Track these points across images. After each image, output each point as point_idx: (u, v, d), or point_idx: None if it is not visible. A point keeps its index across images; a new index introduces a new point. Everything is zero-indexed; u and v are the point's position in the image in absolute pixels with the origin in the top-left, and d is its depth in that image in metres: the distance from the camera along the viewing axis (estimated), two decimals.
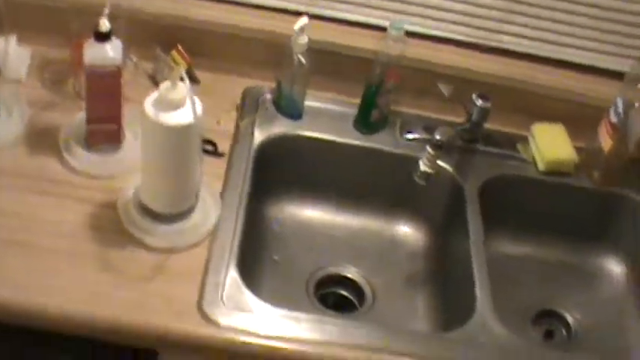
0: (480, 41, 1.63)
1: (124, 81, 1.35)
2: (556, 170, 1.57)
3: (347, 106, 1.59)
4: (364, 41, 1.58)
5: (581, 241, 1.64)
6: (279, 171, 1.55)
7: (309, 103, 1.56)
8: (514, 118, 1.63)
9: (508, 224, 1.61)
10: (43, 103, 1.48)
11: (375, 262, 1.58)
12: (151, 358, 1.26)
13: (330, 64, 1.57)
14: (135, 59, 1.54)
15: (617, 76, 1.57)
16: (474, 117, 1.54)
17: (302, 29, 1.45)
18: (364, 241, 1.61)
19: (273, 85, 1.57)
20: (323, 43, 1.55)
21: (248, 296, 1.25)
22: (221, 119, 1.51)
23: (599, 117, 1.56)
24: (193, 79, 1.53)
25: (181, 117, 1.20)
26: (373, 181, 1.60)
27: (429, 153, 1.45)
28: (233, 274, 1.27)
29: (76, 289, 1.21)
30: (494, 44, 1.63)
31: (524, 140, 1.61)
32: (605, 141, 1.54)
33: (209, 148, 1.45)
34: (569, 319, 1.56)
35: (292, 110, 1.55)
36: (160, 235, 1.30)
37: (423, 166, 1.46)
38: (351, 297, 1.53)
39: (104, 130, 1.39)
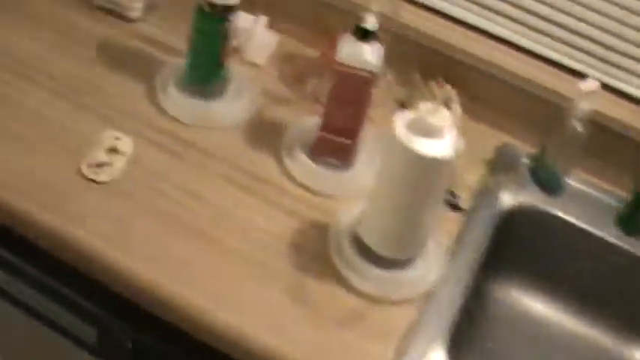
0: None
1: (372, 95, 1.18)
2: None
3: (611, 196, 1.36)
4: None
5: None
6: (519, 247, 1.33)
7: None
8: None
9: None
10: (276, 97, 1.35)
11: None
12: None
13: (600, 144, 1.33)
14: (389, 76, 1.35)
15: None
16: None
17: (588, 94, 1.26)
18: (588, 356, 1.36)
19: (533, 149, 1.36)
20: (605, 117, 1.32)
21: None
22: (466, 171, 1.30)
23: None
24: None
25: (438, 148, 1.00)
26: (620, 291, 1.35)
27: None
28: (439, 354, 1.04)
29: (258, 310, 1.04)
30: None
31: None
32: None
33: (450, 198, 1.23)
34: None
35: (552, 184, 1.33)
36: (371, 279, 1.09)
37: None
38: None
39: (336, 143, 1.21)
